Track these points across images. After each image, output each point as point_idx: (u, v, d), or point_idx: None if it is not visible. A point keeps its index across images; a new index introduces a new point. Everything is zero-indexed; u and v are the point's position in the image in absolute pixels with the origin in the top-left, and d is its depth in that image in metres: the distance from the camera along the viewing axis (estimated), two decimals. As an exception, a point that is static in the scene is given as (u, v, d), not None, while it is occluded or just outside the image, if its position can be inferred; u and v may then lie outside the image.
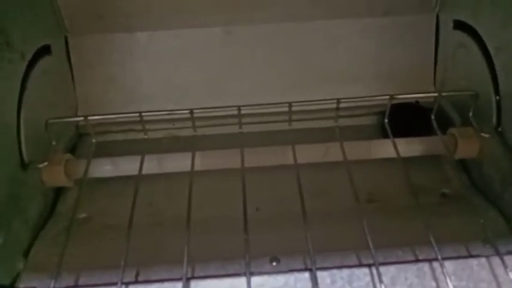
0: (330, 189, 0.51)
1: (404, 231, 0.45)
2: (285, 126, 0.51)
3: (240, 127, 0.49)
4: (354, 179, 0.46)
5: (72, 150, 0.58)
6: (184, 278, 0.38)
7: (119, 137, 0.59)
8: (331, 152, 0.50)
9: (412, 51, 0.60)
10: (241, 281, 0.38)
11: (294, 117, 0.51)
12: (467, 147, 0.49)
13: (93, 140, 0.48)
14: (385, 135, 0.59)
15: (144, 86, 0.59)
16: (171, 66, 0.59)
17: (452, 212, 0.49)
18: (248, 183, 0.45)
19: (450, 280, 0.37)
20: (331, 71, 0.60)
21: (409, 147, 0.51)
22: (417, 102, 0.60)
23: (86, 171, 0.46)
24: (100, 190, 0.53)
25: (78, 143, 0.60)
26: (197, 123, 0.50)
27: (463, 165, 0.53)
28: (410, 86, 0.61)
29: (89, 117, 0.46)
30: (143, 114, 0.46)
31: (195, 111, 0.46)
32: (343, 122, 0.60)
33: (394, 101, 0.50)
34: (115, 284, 0.37)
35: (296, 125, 0.51)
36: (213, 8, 0.57)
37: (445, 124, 0.55)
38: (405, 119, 0.57)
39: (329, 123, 0.54)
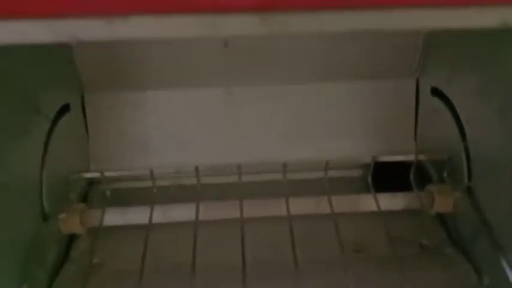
0: (320, 239, 0.57)
1: (386, 281, 0.50)
2: (280, 176, 0.58)
3: (240, 179, 0.54)
4: (342, 229, 0.52)
5: (84, 197, 0.63)
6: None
7: (129, 185, 0.64)
8: (321, 205, 0.56)
9: (395, 111, 0.67)
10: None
11: (288, 168, 0.58)
12: (442, 203, 0.55)
13: (107, 193, 0.54)
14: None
15: (153, 139, 0.65)
16: (177, 122, 0.65)
17: (429, 263, 0.54)
18: (247, 233, 0.51)
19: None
20: (323, 128, 0.66)
21: (391, 201, 0.57)
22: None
23: (101, 221, 0.51)
24: (108, 237, 0.58)
25: (89, 190, 0.65)
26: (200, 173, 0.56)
27: (441, 218, 0.59)
28: (393, 142, 0.67)
29: (105, 173, 0.52)
30: (154, 171, 0.52)
31: (200, 168, 0.52)
32: (332, 174, 0.67)
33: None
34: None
35: (290, 176, 0.57)
36: (216, 71, 0.64)
37: (425, 179, 0.61)
38: (388, 174, 0.63)
39: (320, 174, 0.60)
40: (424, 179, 0.61)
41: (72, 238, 0.58)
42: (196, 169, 0.52)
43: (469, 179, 0.52)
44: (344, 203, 0.56)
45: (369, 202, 0.56)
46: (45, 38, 0.28)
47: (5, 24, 0.27)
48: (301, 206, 0.56)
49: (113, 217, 0.55)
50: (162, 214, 0.55)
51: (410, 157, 0.56)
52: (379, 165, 0.65)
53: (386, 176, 0.63)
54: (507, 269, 0.44)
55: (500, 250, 0.46)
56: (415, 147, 0.66)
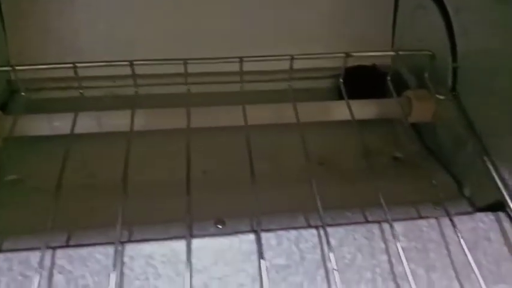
0: (280, 152, 0.49)
1: (354, 194, 0.43)
2: (235, 87, 0.48)
3: (186, 83, 0.45)
4: (308, 141, 0.44)
5: (2, 108, 0.53)
6: (117, 242, 0.35)
7: (55, 94, 0.54)
8: (283, 113, 0.48)
9: (370, 11, 0.58)
10: (182, 244, 0.36)
11: (245, 78, 0.49)
12: (422, 109, 0.48)
13: (22, 93, 0.43)
14: (341, 98, 0.57)
15: (84, 39, 0.54)
16: (114, 18, 0.54)
17: (403, 175, 0.48)
18: (194, 145, 0.43)
19: (399, 241, 0.36)
20: (284, 28, 0.57)
21: (363, 109, 0.49)
22: (374, 65, 0.58)
23: (13, 127, 0.41)
24: (31, 150, 0.48)
25: (10, 101, 0.54)
26: (140, 81, 0.46)
27: (416, 129, 0.52)
28: (368, 48, 0.59)
29: (17, 67, 0.41)
30: (78, 65, 0.41)
31: (135, 62, 0.42)
32: (298, 84, 0.58)
33: (351, 61, 0.48)
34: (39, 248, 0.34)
35: (247, 87, 0.48)
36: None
37: (401, 88, 0.54)
38: (361, 81, 0.55)
39: (283, 86, 0.52)
40: (400, 89, 0.53)
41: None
42: (131, 65, 0.42)
43: (454, 81, 0.45)
44: (311, 111, 0.48)
45: (339, 110, 0.48)
46: None
47: None
48: (260, 114, 0.48)
49: (33, 125, 0.45)
50: (93, 122, 0.46)
51: (388, 55, 0.48)
52: (351, 72, 0.57)
53: (357, 84, 0.55)
54: (494, 174, 0.38)
55: (487, 156, 0.40)
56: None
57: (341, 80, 0.47)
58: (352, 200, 0.42)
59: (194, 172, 0.46)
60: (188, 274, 0.34)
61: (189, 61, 0.43)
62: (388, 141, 0.52)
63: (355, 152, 0.49)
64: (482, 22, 0.41)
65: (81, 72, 0.44)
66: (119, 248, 0.35)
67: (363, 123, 0.50)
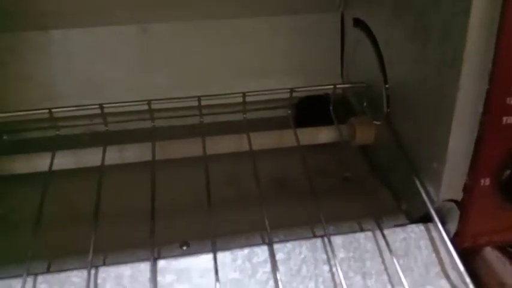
0: (243, 177, 0.55)
1: (308, 211, 0.49)
2: (196, 120, 0.54)
3: (153, 121, 0.51)
4: (266, 166, 0.50)
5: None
6: (90, 265, 0.39)
7: (32, 135, 0.59)
8: (240, 143, 0.53)
9: (320, 47, 0.65)
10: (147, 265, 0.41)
11: (207, 111, 0.55)
12: (364, 134, 0.54)
13: (4, 137, 0.49)
14: (299, 126, 0.63)
15: (61, 84, 0.60)
16: (87, 64, 0.60)
17: (352, 193, 0.53)
18: (161, 176, 0.48)
19: (338, 252, 0.41)
20: (245, 67, 0.63)
21: (312, 136, 0.55)
22: (327, 94, 0.65)
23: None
24: (11, 187, 0.53)
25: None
26: (112, 119, 0.52)
27: (364, 151, 0.58)
28: (320, 80, 0.65)
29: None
30: (53, 110, 0.47)
31: (105, 105, 0.48)
32: (262, 114, 0.65)
33: (298, 94, 0.54)
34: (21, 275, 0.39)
35: (207, 119, 0.54)
36: (128, 6, 0.59)
37: (350, 114, 0.60)
38: (315, 110, 0.62)
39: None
40: (349, 113, 0.59)
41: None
42: (101, 108, 0.48)
43: (388, 107, 0.51)
44: (264, 140, 0.54)
45: (289, 137, 0.54)
46: None
47: None
48: (219, 145, 0.53)
49: (12, 164, 0.50)
50: (68, 159, 0.51)
51: (328, 88, 0.54)
52: (307, 101, 0.63)
53: (312, 113, 0.62)
54: (421, 190, 0.44)
55: (416, 173, 0.45)
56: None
57: (289, 112, 0.53)
58: (303, 218, 0.48)
59: (163, 200, 0.51)
60: (154, 291, 0.39)
61: (153, 102, 0.49)
62: (340, 163, 0.58)
63: (311, 174, 0.55)
64: (401, 56, 0.47)
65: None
66: (92, 271, 0.40)
67: (318, 147, 0.56)
